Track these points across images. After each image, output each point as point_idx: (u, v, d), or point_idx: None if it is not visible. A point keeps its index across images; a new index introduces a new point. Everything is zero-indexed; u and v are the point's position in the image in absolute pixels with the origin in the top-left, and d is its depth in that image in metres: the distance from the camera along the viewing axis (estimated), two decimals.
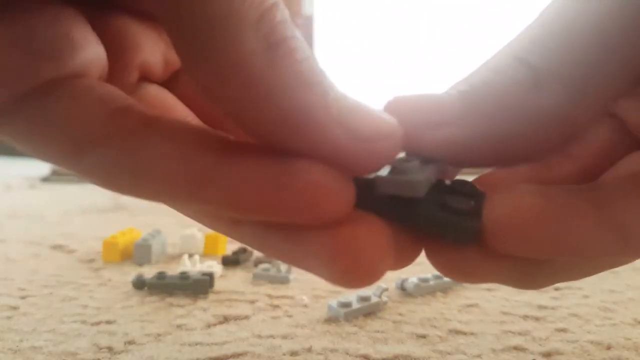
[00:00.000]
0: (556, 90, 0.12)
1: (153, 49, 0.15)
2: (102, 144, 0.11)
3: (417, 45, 1.76)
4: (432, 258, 0.13)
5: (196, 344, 0.22)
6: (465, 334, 0.24)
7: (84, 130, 0.11)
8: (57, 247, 0.40)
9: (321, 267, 0.12)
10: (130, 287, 0.29)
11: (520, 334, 0.24)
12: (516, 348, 0.22)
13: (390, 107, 0.13)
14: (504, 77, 0.12)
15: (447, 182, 0.14)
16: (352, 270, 0.11)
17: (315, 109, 0.11)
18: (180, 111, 0.16)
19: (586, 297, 0.29)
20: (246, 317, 0.25)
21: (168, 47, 0.16)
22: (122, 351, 0.22)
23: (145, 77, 0.16)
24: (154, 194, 0.12)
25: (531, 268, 0.13)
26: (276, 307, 0.27)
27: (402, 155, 0.13)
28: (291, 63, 0.10)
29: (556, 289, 0.30)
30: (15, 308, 0.27)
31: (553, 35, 0.12)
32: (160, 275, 0.29)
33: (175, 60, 0.16)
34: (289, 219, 0.11)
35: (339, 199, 0.11)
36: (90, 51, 0.12)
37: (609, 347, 0.22)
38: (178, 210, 0.14)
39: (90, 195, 0.79)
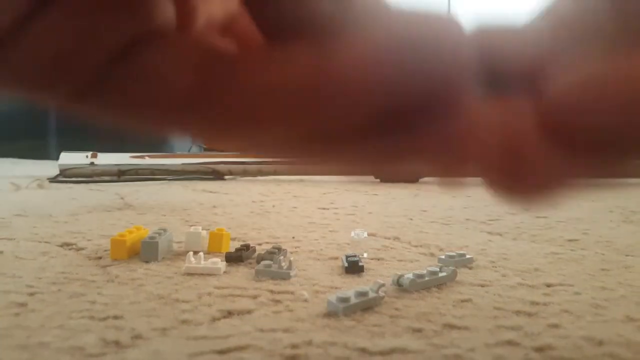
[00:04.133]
0: None
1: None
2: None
3: None
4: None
5: (201, 338, 0.23)
6: (459, 328, 0.24)
7: (180, 81, 0.12)
8: (66, 245, 0.41)
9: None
10: (137, 283, 0.30)
11: (513, 329, 0.24)
12: (509, 343, 0.23)
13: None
14: None
15: None
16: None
17: None
18: None
19: (578, 294, 0.29)
20: (249, 312, 0.26)
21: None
22: (129, 345, 0.22)
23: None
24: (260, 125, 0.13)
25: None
26: (278, 302, 0.28)
27: None
28: None
29: (548, 286, 0.31)
30: (23, 305, 0.27)
31: None
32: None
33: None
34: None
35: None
36: (165, 7, 0.13)
37: (600, 343, 0.23)
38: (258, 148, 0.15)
39: (97, 195, 0.80)
